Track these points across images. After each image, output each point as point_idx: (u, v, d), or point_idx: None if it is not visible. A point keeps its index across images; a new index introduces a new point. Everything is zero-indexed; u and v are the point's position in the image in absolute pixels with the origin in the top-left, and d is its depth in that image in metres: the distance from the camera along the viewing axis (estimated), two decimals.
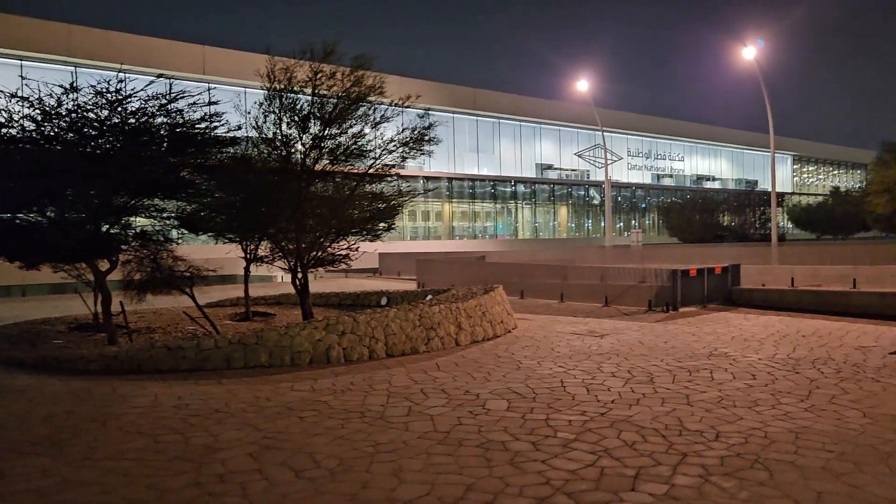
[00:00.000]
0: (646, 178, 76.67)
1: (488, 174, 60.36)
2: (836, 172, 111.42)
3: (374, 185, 16.84)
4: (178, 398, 9.13)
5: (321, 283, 31.93)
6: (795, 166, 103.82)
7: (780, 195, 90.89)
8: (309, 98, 14.33)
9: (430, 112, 15.63)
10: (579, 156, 61.36)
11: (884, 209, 35.17)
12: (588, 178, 67.10)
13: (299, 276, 15.75)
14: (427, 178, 55.05)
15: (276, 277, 36.11)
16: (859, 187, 70.96)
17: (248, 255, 17.99)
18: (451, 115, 57.66)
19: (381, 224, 17.08)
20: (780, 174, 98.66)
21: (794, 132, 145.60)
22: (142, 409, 8.60)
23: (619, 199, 72.70)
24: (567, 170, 67.19)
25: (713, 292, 19.56)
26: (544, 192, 65.05)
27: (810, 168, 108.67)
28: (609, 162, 66.58)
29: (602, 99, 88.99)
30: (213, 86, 43.47)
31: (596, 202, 68.23)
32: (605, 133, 70.53)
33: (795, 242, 54.24)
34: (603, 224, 70.06)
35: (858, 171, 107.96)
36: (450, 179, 56.41)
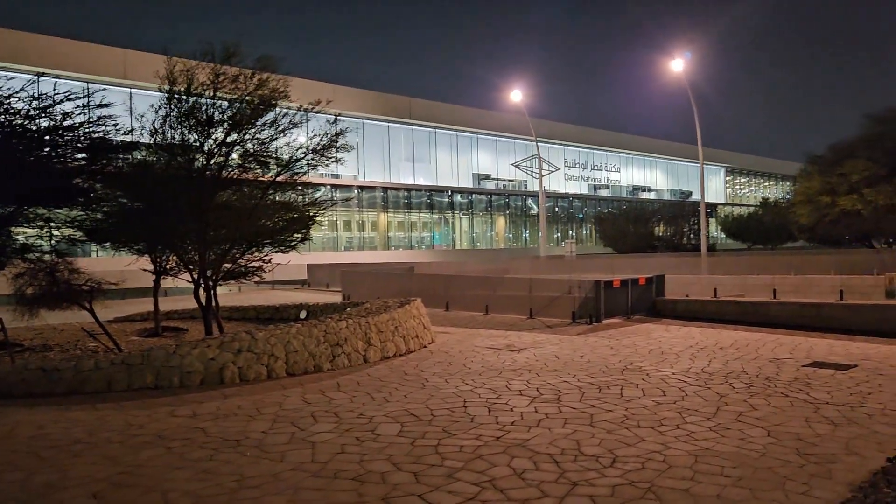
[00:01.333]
0: (583, 189, 77.33)
1: (425, 184, 59.88)
2: (766, 184, 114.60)
3: (287, 194, 16.08)
4: (38, 427, 8.27)
5: (244, 295, 30.87)
6: (728, 178, 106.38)
7: (713, 206, 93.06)
8: (212, 101, 13.54)
9: (340, 117, 14.92)
10: (516, 166, 61.36)
11: (807, 219, 35.93)
12: (525, 188, 67.26)
13: (209, 288, 14.92)
14: (361, 188, 54.26)
15: None
16: (787, 198, 72.92)
17: (158, 267, 17.04)
18: (387, 124, 57.09)
19: (296, 235, 16.35)
20: (714, 185, 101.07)
21: (727, 145, 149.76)
22: None
23: (557, 209, 73.11)
24: (505, 180, 67.21)
25: (638, 303, 19.38)
26: (481, 202, 64.85)
27: (742, 179, 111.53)
28: (546, 172, 66.83)
29: (540, 111, 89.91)
30: (137, 91, 41.99)
31: (534, 212, 68.31)
32: (543, 144, 70.78)
33: (727, 252, 55.23)
34: (540, 234, 70.36)
35: (788, 183, 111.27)
36: (385, 189, 55.70)
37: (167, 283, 19.06)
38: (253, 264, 16.56)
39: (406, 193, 57.53)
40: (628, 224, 53.26)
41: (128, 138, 13.70)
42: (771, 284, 27.43)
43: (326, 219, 52.82)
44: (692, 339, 14.89)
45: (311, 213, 16.52)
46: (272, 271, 17.40)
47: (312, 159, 14.50)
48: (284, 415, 8.74)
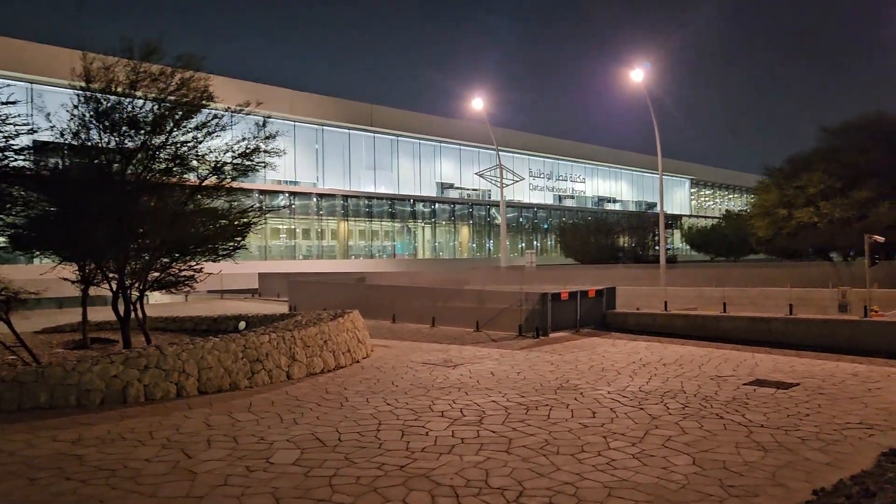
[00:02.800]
0: (548, 199, 77.06)
1: (386, 192, 59.01)
2: (731, 196, 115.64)
3: (219, 201, 15.28)
4: None
5: (190, 305, 29.87)
6: (693, 189, 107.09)
7: (677, 217, 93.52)
8: (130, 101, 12.77)
9: (270, 119, 14.19)
10: (481, 175, 60.82)
11: (765, 232, 35.83)
12: (490, 197, 66.82)
13: (129, 299, 14.11)
14: (320, 195, 53.26)
15: (149, 297, 33.75)
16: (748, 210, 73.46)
17: (85, 276, 16.15)
18: (347, 131, 56.21)
19: (228, 243, 15.57)
20: (679, 197, 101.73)
21: (692, 157, 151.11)
22: None
23: (522, 219, 72.77)
24: (469, 189, 66.60)
25: (587, 316, 18.91)
26: (445, 211, 64.15)
27: (707, 191, 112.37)
28: (510, 182, 66.49)
29: (505, 121, 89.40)
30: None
31: (498, 222, 67.79)
32: (508, 154, 70.48)
33: (688, 264, 55.24)
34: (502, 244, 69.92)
35: (751, 195, 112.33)
36: (345, 197, 54.72)
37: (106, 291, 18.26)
38: (184, 273, 15.79)
39: (367, 201, 56.59)
40: (590, 235, 52.97)
41: (43, 138, 12.89)
42: (730, 296, 27.20)
43: (284, 226, 51.87)
44: (637, 354, 14.41)
45: (244, 221, 15.74)
46: (204, 280, 16.60)
47: (238, 164, 13.71)
48: (178, 439, 8.01)
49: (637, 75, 35.05)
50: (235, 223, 15.11)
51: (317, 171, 54.64)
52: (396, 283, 27.43)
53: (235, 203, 14.96)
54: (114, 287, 14.03)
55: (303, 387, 11.17)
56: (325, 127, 54.41)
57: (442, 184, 65.29)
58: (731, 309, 26.19)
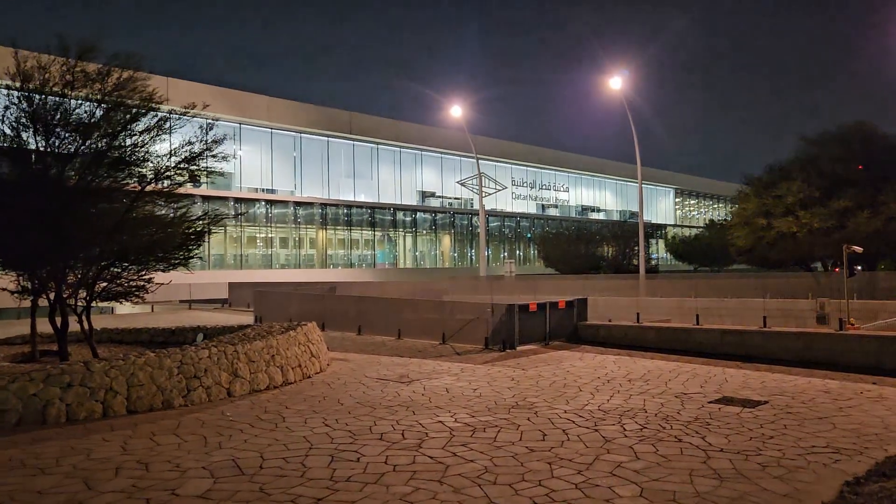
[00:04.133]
0: (531, 208, 76.62)
1: (366, 201, 58.20)
2: (716, 206, 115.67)
3: (167, 208, 14.56)
4: None
5: (156, 315, 29.06)
6: (678, 199, 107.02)
7: (662, 227, 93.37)
8: (67, 102, 12.09)
9: (217, 122, 13.48)
10: (462, 184, 60.22)
11: (744, 242, 35.39)
12: (472, 206, 66.21)
13: (66, 310, 13.39)
14: (298, 204, 52.44)
15: (113, 309, 32.92)
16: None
17: (33, 286, 15.41)
18: (326, 138, 55.46)
19: (179, 252, 14.85)
20: (663, 207, 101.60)
21: (677, 167, 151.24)
22: None
23: (505, 228, 72.23)
24: (451, 198, 65.96)
25: (558, 328, 18.33)
26: (426, 220, 63.49)
27: (692, 201, 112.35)
28: (492, 191, 66.03)
29: (488, 129, 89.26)
30: None
31: (480, 231, 67.15)
32: (490, 162, 69.96)
33: (669, 274, 54.85)
34: (487, 253, 69.28)
35: (735, 205, 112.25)
36: (324, 205, 53.92)
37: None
38: (133, 284, 15.08)
39: (346, 210, 55.79)
40: (571, 245, 52.40)
41: None
42: (711, 307, 26.74)
43: (262, 235, 51.04)
44: (604, 369, 13.82)
45: (195, 229, 15.03)
46: (155, 291, 15.89)
47: (182, 169, 13.02)
48: (86, 467, 7.33)
49: (615, 83, 34.67)
50: (184, 231, 14.39)
51: (295, 179, 53.87)
52: (366, 294, 26.74)
53: (182, 211, 14.22)
54: (50, 298, 13.30)
55: (242, 405, 10.49)
56: (303, 134, 53.66)
57: (423, 192, 64.66)
58: (711, 320, 25.68)
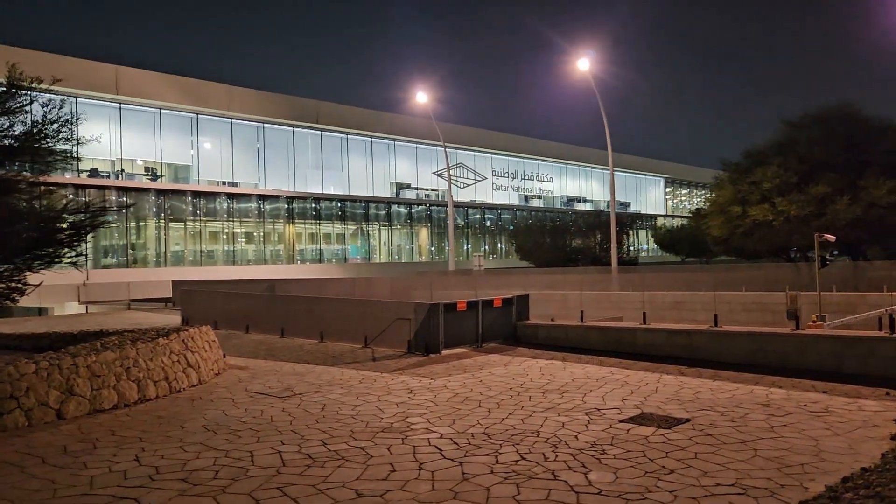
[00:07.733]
0: (513, 199, 74.69)
1: (336, 193, 56.18)
2: (708, 195, 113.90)
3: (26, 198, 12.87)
4: None
5: (84, 318, 27.30)
6: (669, 189, 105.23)
7: (652, 217, 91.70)
8: None
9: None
10: (438, 175, 58.45)
11: (719, 231, 33.60)
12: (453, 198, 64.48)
13: None
14: (262, 197, 50.55)
15: (51, 309, 31.20)
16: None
17: None
18: (291, 129, 53.50)
19: (49, 249, 13.19)
20: (653, 196, 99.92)
21: (668, 155, 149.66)
22: None
23: (486, 221, 70.38)
24: (427, 189, 64.02)
25: (494, 329, 16.67)
26: (401, 213, 61.62)
27: (683, 190, 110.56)
28: (471, 182, 64.35)
29: (466, 118, 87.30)
30: None
31: (460, 224, 65.42)
32: (468, 152, 68.18)
33: (653, 266, 53.24)
34: (467, 247, 67.53)
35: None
36: (290, 198, 51.96)
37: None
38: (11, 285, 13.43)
39: (315, 203, 53.86)
40: (545, 236, 50.62)
41: None
42: (683, 300, 25.11)
43: (226, 230, 49.23)
44: (524, 377, 12.17)
45: (72, 221, 13.37)
46: (31, 292, 14.20)
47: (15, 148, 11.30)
48: None
49: (583, 64, 32.93)
50: (52, 227, 12.72)
51: (258, 172, 51.93)
52: (301, 294, 25.00)
53: (45, 202, 12.54)
54: None
55: (61, 431, 8.81)
56: (266, 125, 51.71)
57: (398, 184, 62.74)
58: (684, 315, 24.05)
